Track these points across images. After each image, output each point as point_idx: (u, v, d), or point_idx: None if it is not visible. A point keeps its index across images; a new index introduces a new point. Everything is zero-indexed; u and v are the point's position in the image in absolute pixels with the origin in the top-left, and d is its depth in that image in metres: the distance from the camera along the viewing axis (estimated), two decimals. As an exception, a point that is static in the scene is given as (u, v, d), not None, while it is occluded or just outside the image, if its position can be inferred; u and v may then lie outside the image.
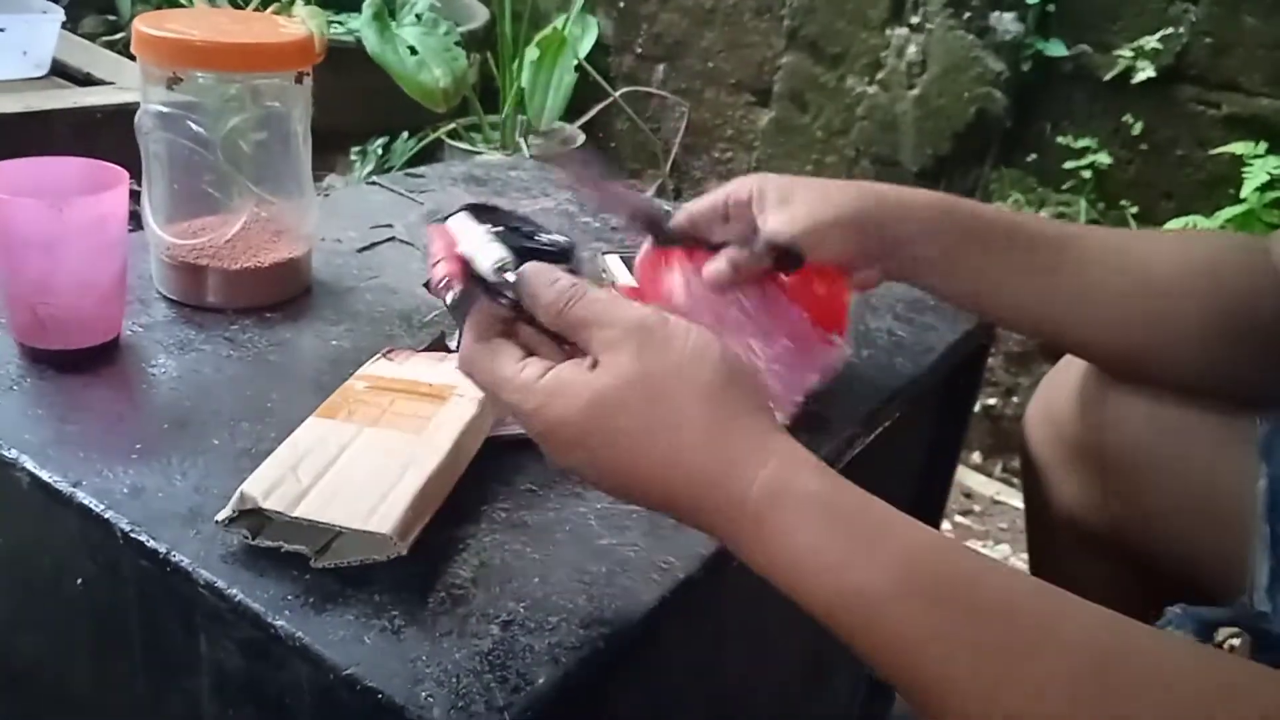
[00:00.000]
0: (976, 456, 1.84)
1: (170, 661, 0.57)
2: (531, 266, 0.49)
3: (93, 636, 0.62)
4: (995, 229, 0.71)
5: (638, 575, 0.56)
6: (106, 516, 0.55)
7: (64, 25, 1.62)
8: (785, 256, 0.67)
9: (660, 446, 0.45)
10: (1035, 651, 0.40)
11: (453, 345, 0.72)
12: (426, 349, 0.73)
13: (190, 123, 0.73)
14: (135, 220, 0.75)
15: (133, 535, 0.54)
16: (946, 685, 0.41)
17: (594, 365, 0.46)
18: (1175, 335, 0.70)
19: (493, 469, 0.63)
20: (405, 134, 2.32)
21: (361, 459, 0.57)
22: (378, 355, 0.69)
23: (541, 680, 0.49)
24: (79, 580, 0.59)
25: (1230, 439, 0.72)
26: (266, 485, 0.53)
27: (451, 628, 0.51)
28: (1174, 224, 1.68)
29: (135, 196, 0.70)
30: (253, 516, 0.53)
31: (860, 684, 1.10)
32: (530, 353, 0.49)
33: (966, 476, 1.76)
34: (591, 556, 0.57)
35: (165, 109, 0.73)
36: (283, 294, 0.79)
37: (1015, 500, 1.70)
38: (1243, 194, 1.57)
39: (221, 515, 0.53)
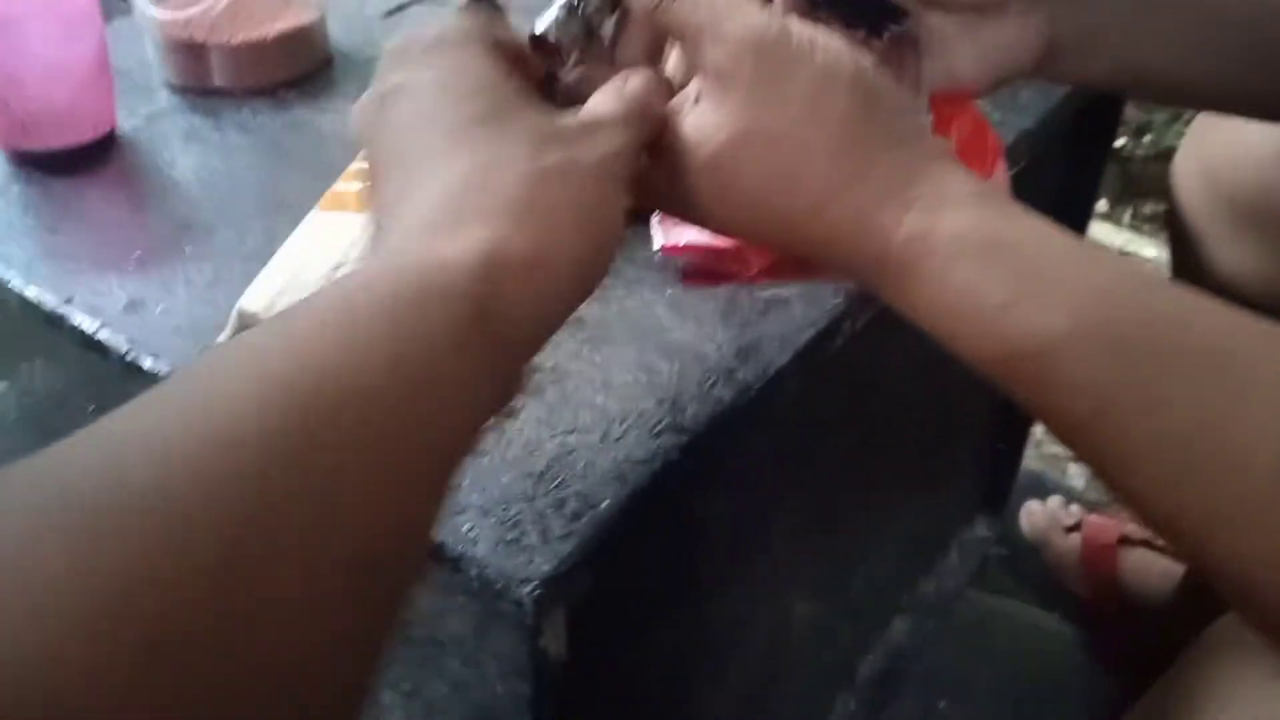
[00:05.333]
0: (1103, 204, 1.67)
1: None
2: None
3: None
4: None
5: (716, 371, 0.47)
6: (100, 336, 0.48)
7: None
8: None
9: (787, 201, 0.37)
10: (1243, 402, 0.33)
11: None
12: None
13: None
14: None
15: (129, 358, 0.47)
16: (1131, 444, 0.34)
17: (698, 99, 0.38)
18: None
19: (541, 256, 0.53)
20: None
21: (381, 255, 0.48)
22: None
23: (606, 502, 0.41)
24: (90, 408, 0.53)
25: None
26: (268, 297, 0.45)
27: (498, 447, 0.43)
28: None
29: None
30: (256, 332, 0.45)
31: (978, 460, 1.03)
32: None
33: (1092, 226, 1.61)
34: (661, 353, 0.48)
35: None
36: (297, 69, 0.69)
37: (1147, 250, 1.55)
38: None
39: (222, 337, 0.45)
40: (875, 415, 0.72)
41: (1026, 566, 1.09)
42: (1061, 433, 0.36)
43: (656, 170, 0.39)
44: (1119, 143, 1.67)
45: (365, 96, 0.36)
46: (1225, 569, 0.33)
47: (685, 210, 0.40)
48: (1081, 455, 0.36)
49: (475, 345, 0.29)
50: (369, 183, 0.36)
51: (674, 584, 0.54)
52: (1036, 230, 0.36)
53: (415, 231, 0.31)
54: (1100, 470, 0.36)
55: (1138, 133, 1.72)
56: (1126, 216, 1.67)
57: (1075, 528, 1.06)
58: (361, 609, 0.25)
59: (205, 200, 0.58)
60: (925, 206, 0.36)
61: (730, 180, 0.38)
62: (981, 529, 1.08)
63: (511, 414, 0.45)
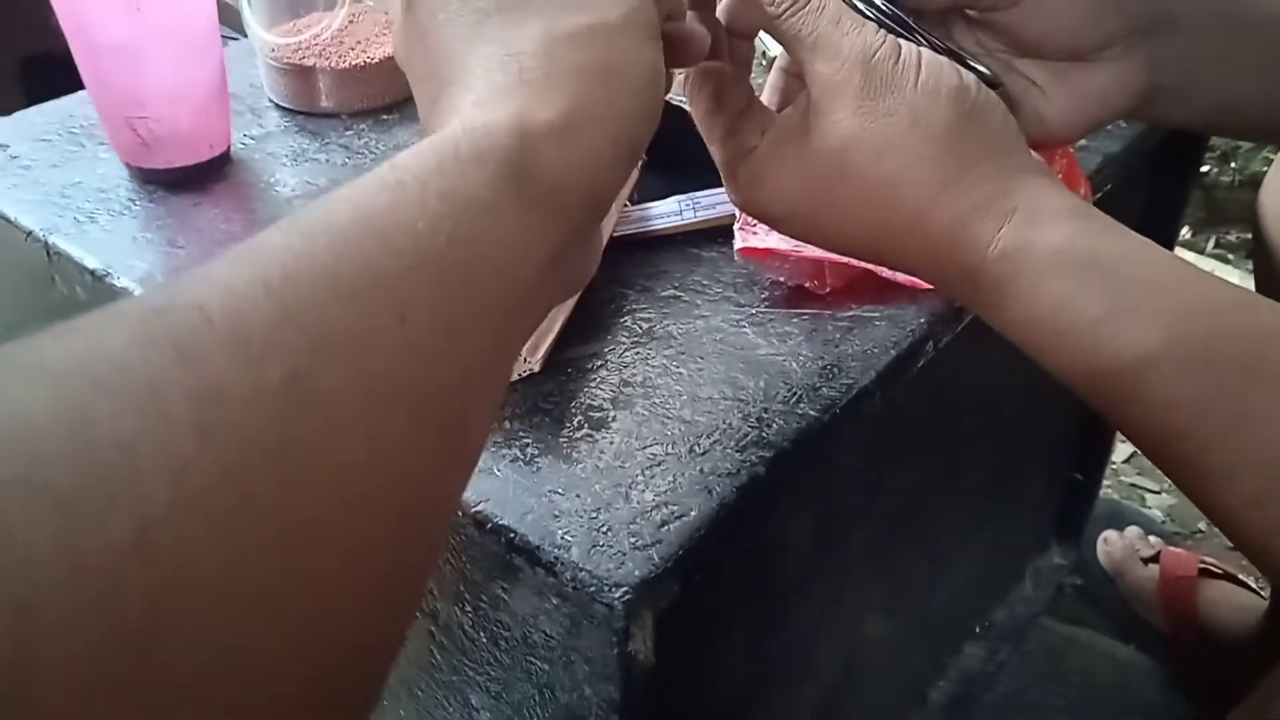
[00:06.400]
0: (1186, 231, 1.64)
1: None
2: None
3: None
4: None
5: (800, 388, 0.48)
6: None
7: None
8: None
9: (888, 210, 0.39)
10: None
11: None
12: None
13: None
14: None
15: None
16: (1219, 460, 0.35)
17: (806, 110, 0.39)
18: None
19: (630, 274, 0.55)
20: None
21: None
22: None
23: (693, 513, 0.43)
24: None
25: None
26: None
27: (590, 456, 0.45)
28: None
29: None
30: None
31: (1055, 488, 1.02)
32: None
33: (1176, 252, 1.58)
34: (746, 369, 0.49)
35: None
36: (399, 93, 0.72)
37: (1231, 277, 1.52)
38: None
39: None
40: (953, 437, 0.73)
41: (1102, 596, 1.07)
42: (1150, 449, 0.37)
43: (762, 178, 0.41)
44: (1204, 169, 1.64)
45: (399, 13, 0.36)
46: None
47: (787, 219, 0.41)
48: (1169, 472, 0.37)
49: (515, 206, 0.29)
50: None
51: (755, 594, 0.55)
52: (1131, 246, 0.37)
53: (450, 115, 0.31)
54: (1188, 487, 0.36)
55: (1224, 159, 1.69)
56: (1210, 244, 1.64)
57: (1153, 559, 1.04)
58: (431, 462, 0.26)
59: (313, 217, 0.61)
60: (1022, 220, 0.37)
61: (834, 189, 0.39)
62: (1056, 557, 1.07)
63: (603, 425, 0.47)
